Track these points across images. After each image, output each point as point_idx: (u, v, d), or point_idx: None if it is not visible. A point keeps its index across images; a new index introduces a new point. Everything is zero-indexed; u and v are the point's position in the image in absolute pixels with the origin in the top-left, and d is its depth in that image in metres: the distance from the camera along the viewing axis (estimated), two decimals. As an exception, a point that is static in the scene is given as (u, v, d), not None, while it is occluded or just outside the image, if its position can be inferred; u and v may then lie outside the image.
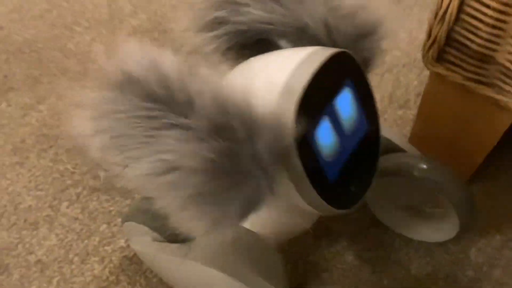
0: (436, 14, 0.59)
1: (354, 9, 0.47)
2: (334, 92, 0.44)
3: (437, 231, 0.63)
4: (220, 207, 0.39)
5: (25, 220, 0.68)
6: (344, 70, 0.46)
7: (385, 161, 0.59)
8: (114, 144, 0.40)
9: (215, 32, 0.47)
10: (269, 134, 0.38)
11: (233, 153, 0.38)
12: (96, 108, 0.40)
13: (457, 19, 0.58)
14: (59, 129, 0.76)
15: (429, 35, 0.62)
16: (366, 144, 0.49)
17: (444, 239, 0.63)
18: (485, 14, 0.56)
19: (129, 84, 0.38)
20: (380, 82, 0.80)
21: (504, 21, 0.55)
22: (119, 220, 0.67)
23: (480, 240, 0.65)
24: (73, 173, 0.72)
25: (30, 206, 0.69)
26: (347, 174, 0.46)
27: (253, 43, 0.49)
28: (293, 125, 0.39)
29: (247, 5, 0.44)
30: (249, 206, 0.40)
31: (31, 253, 0.65)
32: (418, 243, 0.65)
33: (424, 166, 0.58)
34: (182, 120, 0.37)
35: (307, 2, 0.45)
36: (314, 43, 0.46)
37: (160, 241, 0.57)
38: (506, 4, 0.54)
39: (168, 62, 0.38)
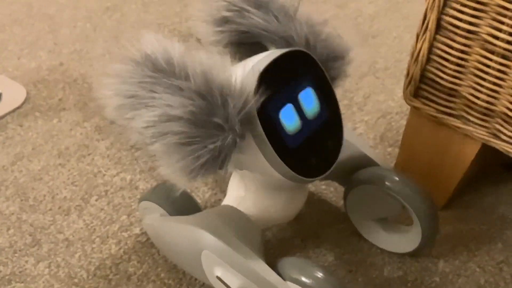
0: (412, 55, 0.73)
1: (330, 37, 0.61)
2: (298, 85, 0.57)
3: (401, 243, 0.72)
4: (195, 154, 0.52)
5: (59, 207, 0.80)
6: (306, 68, 0.59)
7: (361, 173, 0.71)
8: (126, 103, 0.54)
9: (220, 28, 0.61)
10: (238, 102, 0.51)
11: (210, 111, 0.51)
12: (117, 76, 0.54)
13: (428, 59, 0.71)
14: (98, 142, 0.90)
15: (407, 74, 0.74)
16: (329, 128, 0.61)
17: (406, 250, 0.72)
18: (449, 54, 0.69)
19: (144, 60, 0.53)
20: (374, 125, 0.92)
21: (465, 59, 0.68)
22: (137, 212, 0.78)
23: (449, 254, 0.74)
24: (104, 175, 0.85)
25: (65, 197, 0.82)
26: (309, 147, 0.58)
27: (249, 44, 0.63)
28: (253, 96, 0.52)
29: (251, 12, 0.58)
30: (218, 158, 0.52)
31: (60, 232, 0.77)
32: (393, 252, 0.73)
33: (395, 178, 0.69)
34: (177, 82, 0.51)
35: (296, 21, 0.60)
36: None
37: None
38: (465, 45, 0.66)
39: (175, 48, 0.53)
